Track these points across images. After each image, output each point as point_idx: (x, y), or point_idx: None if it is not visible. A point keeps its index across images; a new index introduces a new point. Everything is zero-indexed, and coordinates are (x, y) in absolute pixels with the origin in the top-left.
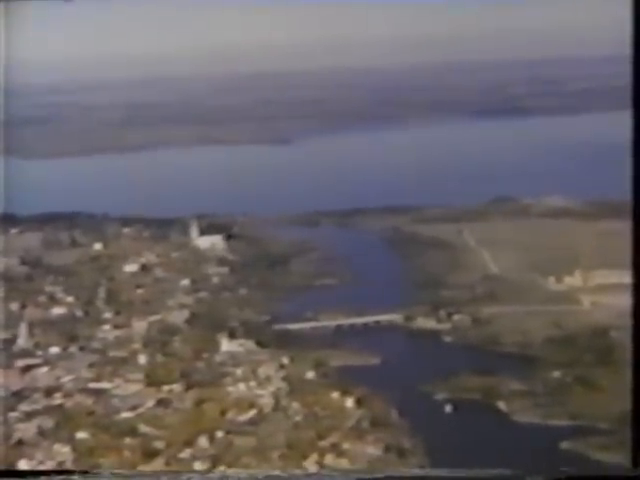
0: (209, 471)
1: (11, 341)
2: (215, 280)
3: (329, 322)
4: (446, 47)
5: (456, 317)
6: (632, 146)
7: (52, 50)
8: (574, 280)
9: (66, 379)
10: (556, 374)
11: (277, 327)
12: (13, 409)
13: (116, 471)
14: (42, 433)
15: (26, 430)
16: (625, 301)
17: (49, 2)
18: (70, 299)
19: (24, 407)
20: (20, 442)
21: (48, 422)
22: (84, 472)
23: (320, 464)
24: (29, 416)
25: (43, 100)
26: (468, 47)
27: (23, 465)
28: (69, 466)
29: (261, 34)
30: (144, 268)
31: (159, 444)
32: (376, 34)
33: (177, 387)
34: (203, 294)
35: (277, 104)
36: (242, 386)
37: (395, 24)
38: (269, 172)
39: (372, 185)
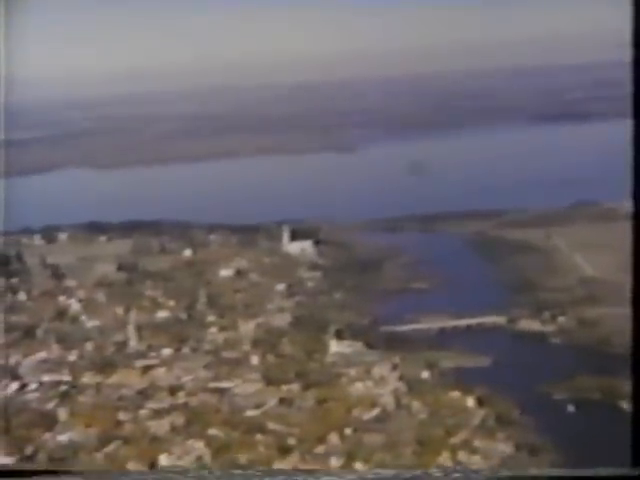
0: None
1: (123, 343)
2: (310, 284)
3: (432, 324)
4: (503, 52)
5: (561, 319)
6: (633, 152)
7: (117, 62)
8: None
9: (186, 379)
10: None
11: (383, 329)
12: (141, 407)
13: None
14: (175, 429)
15: (159, 427)
16: None
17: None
18: (172, 303)
19: (151, 405)
20: (155, 438)
21: (179, 419)
22: (80, 472)
23: (454, 460)
24: (158, 413)
25: (111, 112)
26: (522, 52)
27: (164, 460)
28: (207, 460)
29: (324, 43)
30: (239, 273)
31: (291, 440)
32: (433, 42)
33: (295, 387)
34: (300, 298)
35: (336, 113)
36: (360, 385)
37: (452, 31)
38: (339, 179)
39: (447, 190)
